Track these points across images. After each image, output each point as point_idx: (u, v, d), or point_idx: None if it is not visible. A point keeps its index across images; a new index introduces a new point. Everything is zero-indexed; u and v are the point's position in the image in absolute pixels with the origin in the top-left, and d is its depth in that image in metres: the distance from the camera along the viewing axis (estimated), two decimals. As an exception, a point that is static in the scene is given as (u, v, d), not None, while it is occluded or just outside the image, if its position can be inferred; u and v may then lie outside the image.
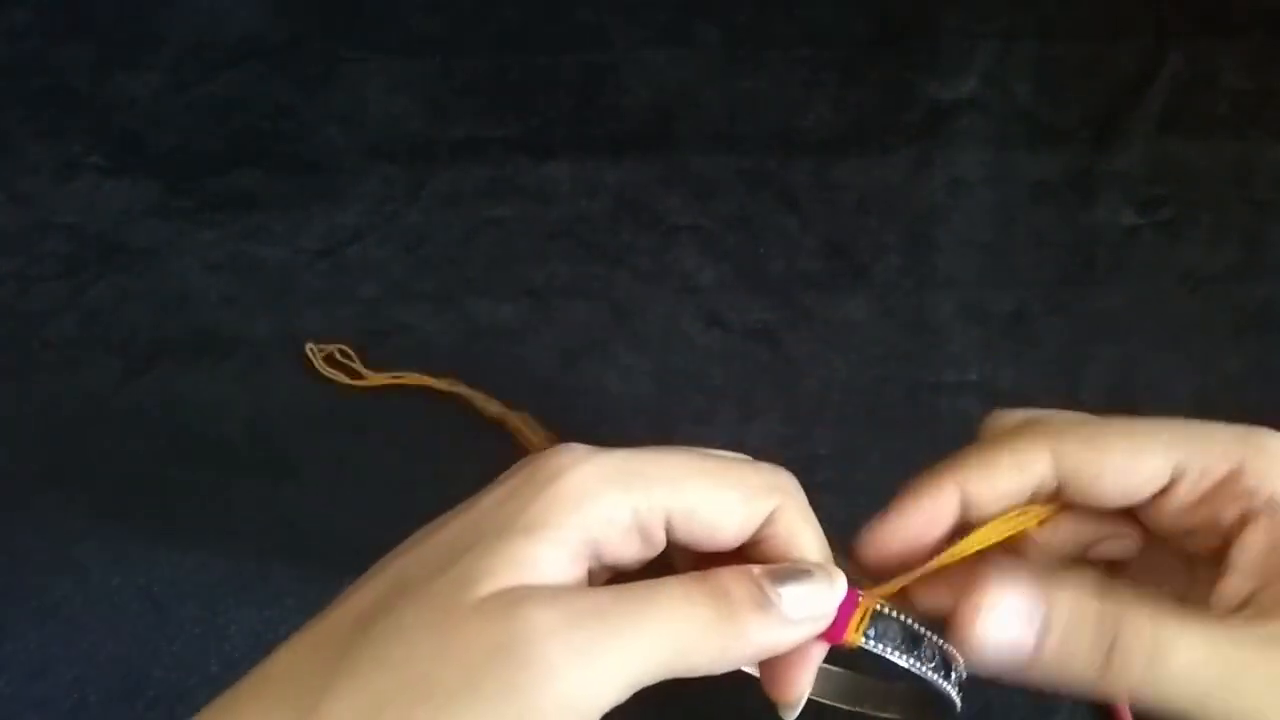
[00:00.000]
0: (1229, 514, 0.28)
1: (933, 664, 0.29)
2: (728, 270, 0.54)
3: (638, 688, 0.24)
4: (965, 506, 0.30)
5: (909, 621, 0.28)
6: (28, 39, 0.57)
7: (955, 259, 0.54)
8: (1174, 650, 0.26)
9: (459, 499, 0.28)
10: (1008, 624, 0.28)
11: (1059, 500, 0.31)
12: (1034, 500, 0.31)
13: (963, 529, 0.30)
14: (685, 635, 0.25)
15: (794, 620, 0.27)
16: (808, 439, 0.49)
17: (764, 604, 0.26)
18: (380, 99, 0.57)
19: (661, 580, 0.26)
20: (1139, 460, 0.29)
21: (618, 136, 0.56)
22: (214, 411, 0.52)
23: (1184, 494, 0.29)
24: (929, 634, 0.29)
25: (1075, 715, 0.45)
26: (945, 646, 0.29)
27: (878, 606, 0.28)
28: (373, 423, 0.51)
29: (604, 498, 0.26)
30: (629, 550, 0.27)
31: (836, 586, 0.28)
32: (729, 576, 0.26)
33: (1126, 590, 0.28)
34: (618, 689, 0.24)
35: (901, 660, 0.28)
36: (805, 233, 0.54)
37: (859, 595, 0.28)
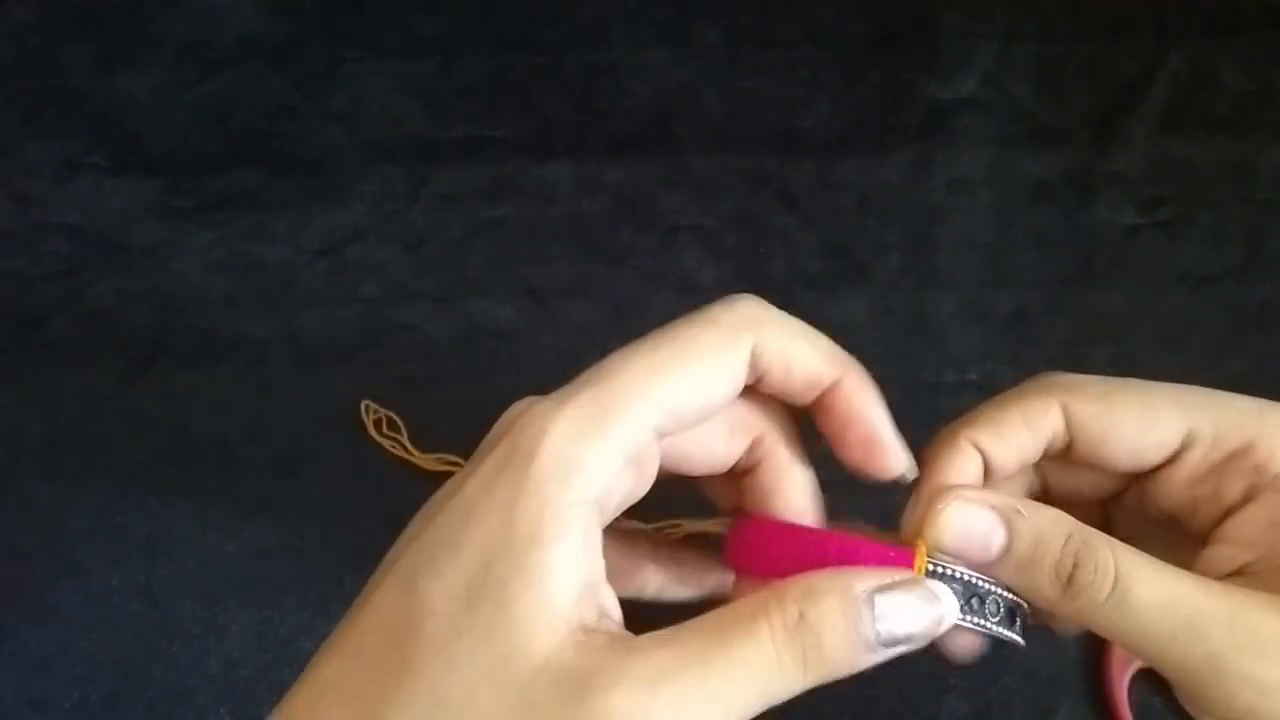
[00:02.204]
0: (1234, 489, 0.28)
1: (997, 618, 0.27)
2: (728, 270, 0.54)
3: None
4: (990, 472, 0.30)
5: (968, 577, 0.27)
6: (28, 39, 0.57)
7: (955, 259, 0.54)
8: (1137, 584, 0.26)
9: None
10: (975, 528, 0.27)
11: (1070, 458, 0.30)
12: (1047, 457, 0.30)
13: None
14: (773, 686, 0.24)
15: (889, 652, 0.25)
16: (807, 439, 0.49)
17: (860, 645, 0.25)
18: (380, 99, 0.57)
19: (748, 621, 0.24)
20: (1152, 423, 0.28)
21: (618, 136, 0.56)
22: (214, 411, 0.52)
23: (1194, 463, 0.28)
24: (992, 587, 0.27)
25: (1075, 715, 0.45)
26: (1009, 595, 0.28)
27: (931, 566, 0.27)
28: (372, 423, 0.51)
29: (588, 459, 0.25)
30: (625, 487, 0.26)
31: (947, 611, 0.26)
32: (822, 607, 0.25)
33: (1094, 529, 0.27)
34: None
35: (965, 621, 0.27)
36: (805, 233, 0.54)
37: (913, 556, 0.27)
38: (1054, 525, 0.27)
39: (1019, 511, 0.27)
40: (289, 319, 0.53)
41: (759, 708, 0.24)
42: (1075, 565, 0.26)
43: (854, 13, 0.57)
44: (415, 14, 0.57)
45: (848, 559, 0.27)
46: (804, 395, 0.29)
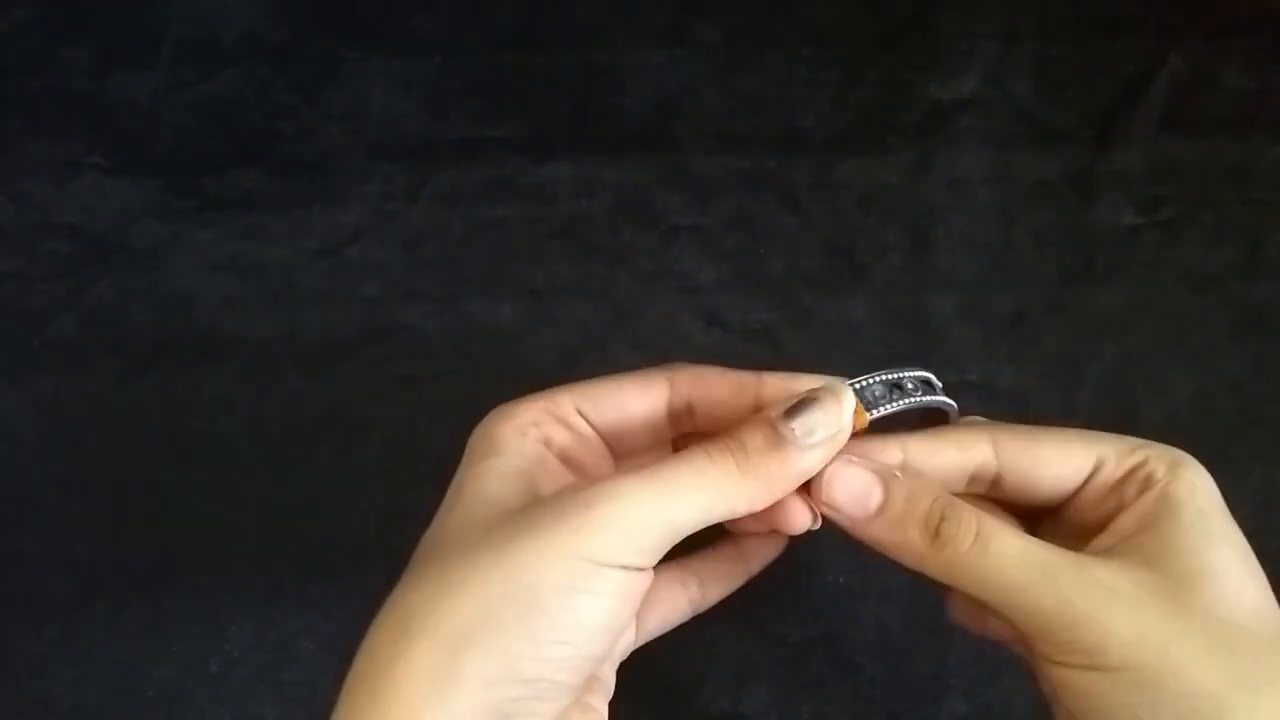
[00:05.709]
0: (1130, 495, 0.33)
1: (919, 391, 0.34)
2: (728, 270, 0.54)
3: (681, 538, 0.31)
4: (905, 468, 0.35)
5: (883, 376, 0.34)
6: (28, 39, 0.57)
7: (955, 259, 0.54)
8: (996, 536, 0.31)
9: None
10: (855, 484, 0.33)
11: (997, 491, 0.35)
12: (972, 487, 0.35)
13: None
14: (714, 491, 0.30)
15: (813, 446, 0.31)
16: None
17: (779, 443, 0.31)
18: (380, 99, 0.57)
19: (689, 450, 0.31)
20: (1068, 451, 0.34)
21: (618, 136, 0.56)
22: (214, 411, 0.52)
23: (1103, 480, 0.34)
24: (902, 373, 0.34)
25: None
26: (918, 374, 0.35)
27: (850, 384, 0.33)
28: (373, 423, 0.51)
29: (521, 407, 0.36)
30: (561, 433, 0.36)
31: (845, 402, 0.32)
32: (745, 428, 0.31)
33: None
34: (663, 539, 0.30)
35: (901, 406, 0.34)
36: (805, 233, 0.54)
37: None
38: (924, 487, 0.33)
39: (896, 475, 0.33)
40: (289, 319, 0.53)
41: (704, 520, 0.30)
42: (942, 518, 0.31)
43: (854, 13, 0.57)
44: (415, 14, 0.57)
45: None
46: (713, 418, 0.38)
